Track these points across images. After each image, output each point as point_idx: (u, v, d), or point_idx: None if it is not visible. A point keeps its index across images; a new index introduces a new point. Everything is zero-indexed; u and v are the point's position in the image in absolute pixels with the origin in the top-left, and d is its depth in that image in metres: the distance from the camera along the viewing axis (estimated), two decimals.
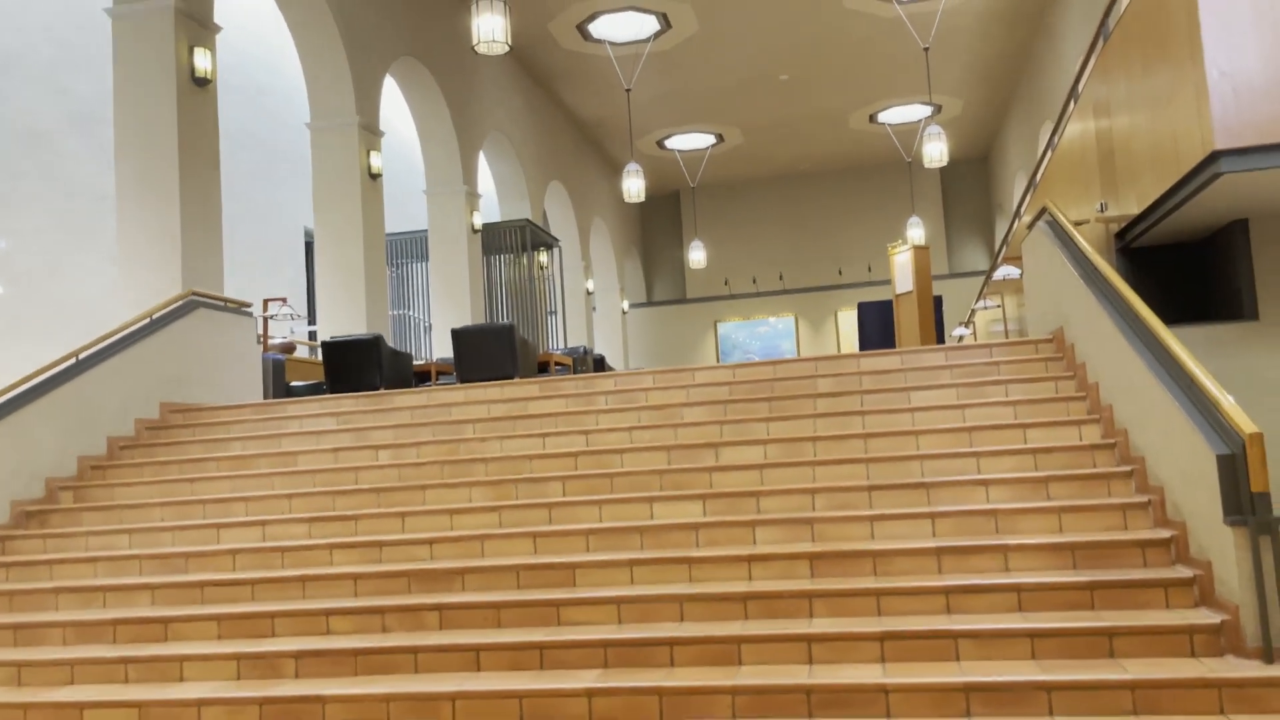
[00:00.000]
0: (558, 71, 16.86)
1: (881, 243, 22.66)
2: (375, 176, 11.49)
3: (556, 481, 5.99)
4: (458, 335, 9.40)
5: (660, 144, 20.91)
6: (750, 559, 4.96)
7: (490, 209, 16.44)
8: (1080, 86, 8.55)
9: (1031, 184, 11.44)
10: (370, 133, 11.50)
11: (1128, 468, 5.20)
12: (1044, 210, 7.40)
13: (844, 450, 5.98)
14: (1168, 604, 4.29)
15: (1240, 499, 3.97)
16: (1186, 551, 4.52)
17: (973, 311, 16.27)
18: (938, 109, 19.49)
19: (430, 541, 5.56)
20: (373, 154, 11.45)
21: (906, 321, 9.48)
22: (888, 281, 18.74)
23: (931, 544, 4.84)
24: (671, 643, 4.39)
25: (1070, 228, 6.72)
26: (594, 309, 21.33)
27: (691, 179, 22.69)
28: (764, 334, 24.32)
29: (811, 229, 24.34)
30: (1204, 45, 5.41)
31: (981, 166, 23.63)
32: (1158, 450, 4.93)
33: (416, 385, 10.06)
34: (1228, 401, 4.20)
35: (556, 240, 17.20)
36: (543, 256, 16.66)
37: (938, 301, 9.97)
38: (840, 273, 23.90)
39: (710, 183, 23.76)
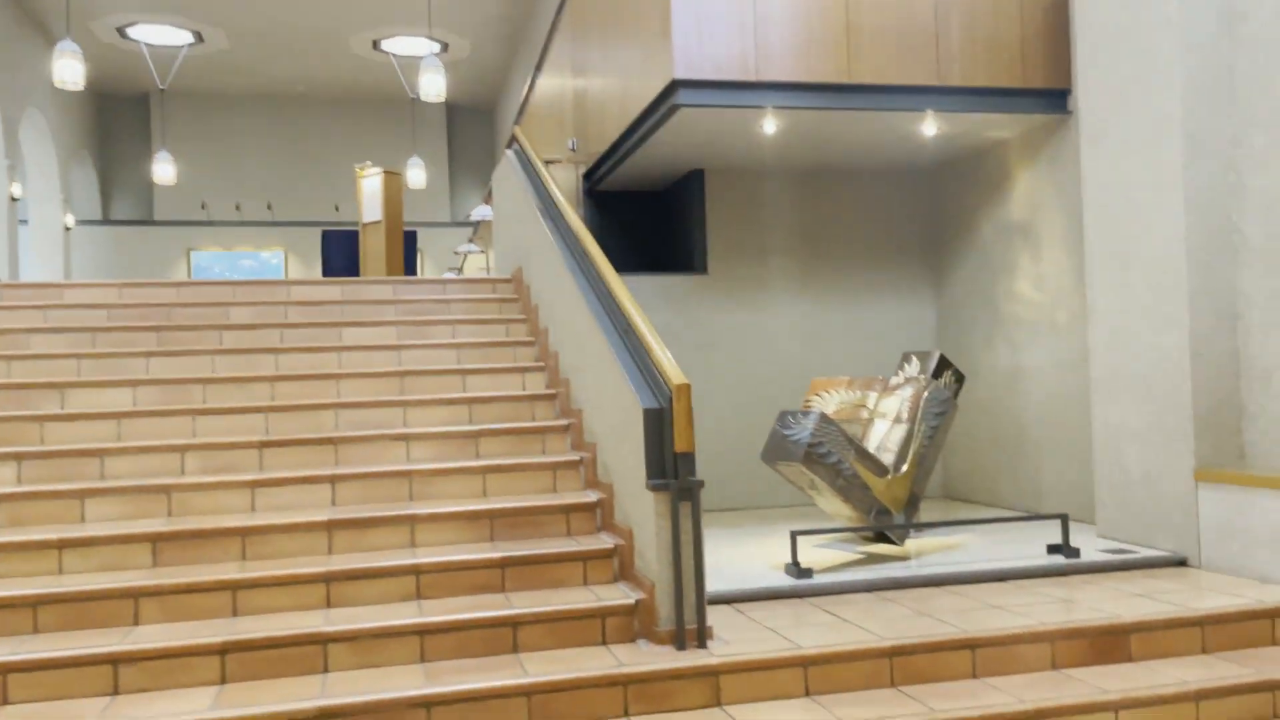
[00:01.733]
0: None
1: None
2: None
3: None
4: None
5: (123, 32, 17.49)
6: (62, 545, 3.54)
7: None
8: (560, 19, 8.05)
9: (517, 123, 10.96)
10: None
11: (565, 421, 4.63)
12: (513, 139, 6.73)
13: (243, 396, 4.74)
14: (585, 580, 3.70)
15: (664, 460, 3.46)
16: (612, 517, 3.99)
17: (464, 256, 15.74)
18: (445, 47, 18.60)
19: None
20: None
21: (373, 253, 8.42)
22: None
23: (325, 515, 3.82)
24: None
25: (535, 157, 6.09)
26: (24, 221, 17.39)
27: (162, 81, 19.42)
28: (248, 268, 21.81)
29: (307, 159, 22.28)
30: None
31: (488, 118, 23.30)
32: (594, 403, 4.39)
33: None
34: (663, 354, 3.68)
35: None
36: None
37: (410, 236, 9.03)
38: (337, 209, 22.21)
39: (188, 89, 20.58)
